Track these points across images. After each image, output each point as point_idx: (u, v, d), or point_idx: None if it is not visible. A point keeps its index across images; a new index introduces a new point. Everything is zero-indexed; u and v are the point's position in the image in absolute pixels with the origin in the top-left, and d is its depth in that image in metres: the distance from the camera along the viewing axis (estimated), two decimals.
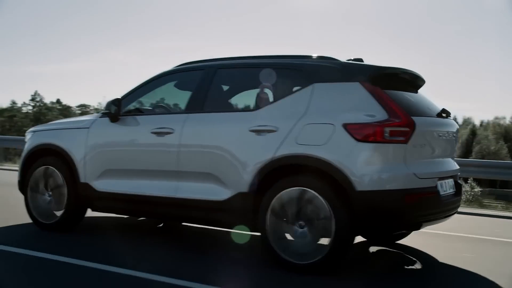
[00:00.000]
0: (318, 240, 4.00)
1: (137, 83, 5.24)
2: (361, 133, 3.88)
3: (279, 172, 4.15)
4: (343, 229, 3.87)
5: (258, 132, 4.27)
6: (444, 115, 4.51)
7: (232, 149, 4.37)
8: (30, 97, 66.95)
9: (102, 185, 5.08)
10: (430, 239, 5.58)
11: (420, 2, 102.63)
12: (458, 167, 4.77)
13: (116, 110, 5.00)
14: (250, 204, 4.25)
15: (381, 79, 4.16)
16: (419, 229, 4.32)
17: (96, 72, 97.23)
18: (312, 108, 4.15)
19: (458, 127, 4.81)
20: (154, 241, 5.23)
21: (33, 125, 9.02)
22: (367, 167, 3.85)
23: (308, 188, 3.99)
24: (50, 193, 5.41)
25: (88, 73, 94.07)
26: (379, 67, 4.20)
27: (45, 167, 5.42)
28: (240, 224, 4.46)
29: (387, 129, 3.87)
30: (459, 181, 4.77)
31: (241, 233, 4.83)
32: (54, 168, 5.36)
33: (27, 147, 5.64)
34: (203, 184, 4.52)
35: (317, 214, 3.95)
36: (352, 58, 4.61)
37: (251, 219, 4.30)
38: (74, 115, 62.93)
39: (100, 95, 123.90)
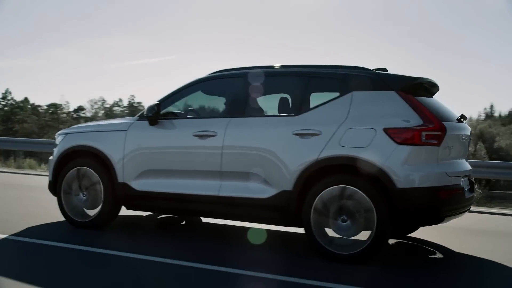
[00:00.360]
0: (359, 233, 4.45)
1: (173, 88, 5.55)
2: (401, 136, 4.36)
3: (323, 171, 4.57)
4: (384, 223, 4.33)
5: (301, 135, 4.67)
6: (462, 120, 5.05)
7: (276, 150, 4.75)
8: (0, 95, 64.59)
9: (141, 185, 5.36)
10: (439, 233, 6.10)
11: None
12: (470, 167, 5.32)
13: (156, 114, 5.29)
14: (294, 201, 4.65)
15: (412, 88, 4.64)
16: (442, 222, 4.82)
17: (39, 70, 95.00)
18: (352, 114, 4.59)
19: (470, 130, 5.35)
20: (185, 234, 5.58)
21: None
22: (406, 167, 4.33)
23: (352, 186, 4.42)
24: (85, 192, 5.65)
25: (31, 71, 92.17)
26: (410, 77, 4.69)
27: (80, 168, 5.65)
28: (283, 220, 4.86)
29: (424, 133, 4.36)
30: (472, 180, 5.32)
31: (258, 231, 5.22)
32: (89, 169, 5.60)
33: (59, 149, 5.82)
34: (247, 183, 4.88)
35: (360, 210, 4.40)
36: (378, 68, 5.08)
37: (294, 215, 4.71)
38: (43, 114, 61.17)
39: (58, 94, 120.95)
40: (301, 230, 4.81)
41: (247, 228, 5.83)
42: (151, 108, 5.28)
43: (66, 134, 5.92)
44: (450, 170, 4.56)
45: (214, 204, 5.05)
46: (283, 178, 4.71)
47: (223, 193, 4.97)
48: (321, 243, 4.55)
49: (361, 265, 4.40)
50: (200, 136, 5.09)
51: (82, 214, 5.68)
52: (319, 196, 4.54)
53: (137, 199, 5.43)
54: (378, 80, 4.69)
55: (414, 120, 4.42)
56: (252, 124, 4.98)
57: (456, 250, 5.29)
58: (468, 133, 5.16)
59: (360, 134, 4.48)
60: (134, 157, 5.39)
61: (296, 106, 4.96)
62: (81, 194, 5.69)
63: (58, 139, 5.97)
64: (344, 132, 4.53)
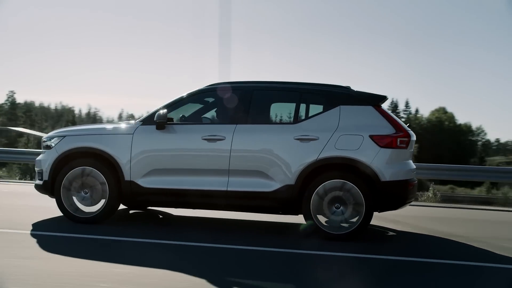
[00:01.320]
0: (350, 218, 5.66)
1: (175, 97, 6.25)
2: (383, 142, 5.65)
3: (322, 169, 5.69)
4: (369, 208, 5.59)
5: (302, 140, 5.74)
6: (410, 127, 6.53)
7: (279, 152, 5.75)
8: None
9: (149, 182, 5.96)
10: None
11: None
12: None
13: (164, 120, 5.94)
14: (296, 193, 5.70)
15: (381, 103, 5.99)
16: (402, 208, 6.16)
17: None
18: (342, 124, 5.78)
19: None
20: (194, 222, 6.29)
21: None
22: (387, 165, 5.64)
23: (345, 180, 5.62)
24: (87, 190, 6.06)
25: None
26: (380, 96, 6.00)
27: (82, 168, 6.05)
28: (283, 209, 5.88)
29: (398, 139, 5.71)
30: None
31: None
32: (93, 168, 6.03)
33: (58, 150, 6.11)
34: (252, 179, 5.80)
35: (351, 199, 5.60)
36: (342, 85, 6.29)
37: (295, 205, 5.76)
38: None
39: None
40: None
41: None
42: (161, 115, 5.92)
43: (64, 136, 6.22)
44: (412, 167, 5.99)
45: (222, 197, 5.87)
46: (286, 174, 5.72)
47: (231, 188, 5.83)
48: (319, 225, 5.67)
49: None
50: (209, 140, 5.87)
51: (81, 210, 6.10)
52: (317, 188, 5.65)
53: (145, 195, 6.01)
54: (358, 97, 5.94)
55: (389, 129, 5.75)
56: (257, 130, 5.91)
57: (403, 230, 6.77)
58: (415, 139, 6.65)
59: (351, 140, 5.68)
60: (142, 157, 5.97)
61: (293, 116, 6.02)
62: (83, 192, 6.09)
63: (53, 141, 6.24)
64: (337, 138, 5.70)
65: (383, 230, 6.67)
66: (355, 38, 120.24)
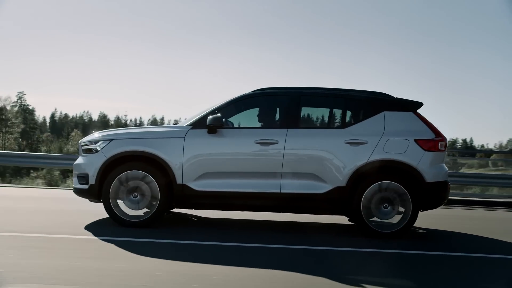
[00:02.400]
0: (395, 216, 6.04)
1: (221, 102, 6.37)
2: (427, 145, 6.08)
3: (371, 171, 6.02)
4: (415, 208, 6.00)
5: (352, 143, 6.05)
6: None
7: (331, 155, 6.03)
8: None
9: (202, 185, 6.05)
10: None
11: None
12: None
13: (219, 124, 6.04)
14: (346, 194, 6.01)
15: (418, 109, 6.42)
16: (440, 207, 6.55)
17: None
18: (387, 128, 6.14)
19: None
20: (232, 224, 6.43)
21: None
22: (430, 167, 6.07)
23: (393, 181, 5.99)
24: (136, 194, 6.07)
25: None
26: (418, 102, 6.41)
27: (132, 172, 6.04)
28: (334, 210, 6.17)
29: (439, 143, 6.16)
30: None
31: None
32: (143, 172, 6.04)
33: (106, 154, 6.06)
34: (304, 181, 6.04)
35: (398, 199, 5.98)
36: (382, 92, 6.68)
37: (345, 205, 6.06)
38: None
39: None
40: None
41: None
42: (215, 119, 6.02)
43: (110, 140, 6.17)
44: (447, 170, 6.46)
45: (276, 199, 6.07)
46: (337, 176, 6.01)
47: (284, 190, 6.04)
48: (369, 224, 6.01)
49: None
50: (262, 143, 6.05)
51: (133, 215, 6.08)
52: (368, 189, 5.98)
53: (197, 198, 6.09)
54: (399, 104, 6.33)
55: (429, 133, 6.18)
56: (308, 134, 6.16)
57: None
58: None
59: (398, 144, 6.07)
60: (195, 161, 6.04)
61: (340, 121, 6.32)
62: (132, 196, 6.08)
63: (99, 144, 6.17)
64: (385, 142, 6.06)
65: (413, 229, 7.14)
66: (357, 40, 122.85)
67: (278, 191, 6.05)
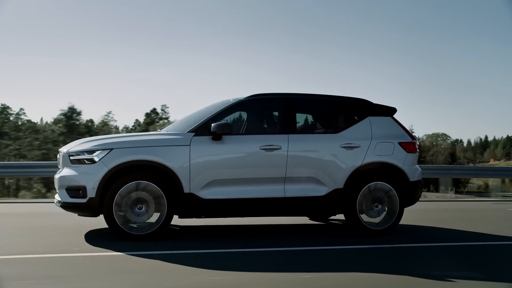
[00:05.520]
0: (385, 215, 6.58)
1: (219, 108, 6.32)
2: (408, 148, 6.71)
3: (365, 173, 6.48)
4: (402, 205, 6.60)
5: (347, 147, 6.45)
6: None
7: (329, 159, 6.37)
8: None
9: (209, 193, 5.97)
10: None
11: None
12: None
13: (227, 130, 6.00)
14: (343, 196, 6.39)
15: (394, 114, 7.05)
16: None
17: None
18: (374, 132, 6.65)
19: None
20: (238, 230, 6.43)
21: None
22: (412, 167, 6.73)
23: (383, 181, 6.52)
24: (141, 206, 5.78)
25: None
26: (393, 108, 7.04)
27: (137, 182, 5.74)
28: (332, 210, 6.51)
29: (415, 145, 6.85)
30: None
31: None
32: (148, 182, 5.77)
33: (106, 164, 5.68)
34: (305, 185, 6.30)
35: (388, 196, 6.53)
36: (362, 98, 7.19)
37: (342, 206, 6.44)
38: None
39: None
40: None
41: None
42: (223, 126, 5.98)
43: (111, 149, 5.77)
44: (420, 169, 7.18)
45: (281, 204, 6.22)
46: (335, 179, 6.37)
47: (288, 194, 6.23)
48: (362, 221, 6.46)
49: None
50: (267, 149, 6.17)
51: (141, 227, 5.79)
52: (362, 189, 6.44)
53: (205, 206, 5.99)
54: (379, 109, 6.89)
55: (407, 137, 6.84)
56: (307, 139, 6.42)
57: None
58: None
59: (385, 147, 6.61)
60: (202, 169, 5.94)
61: (333, 126, 6.68)
62: (137, 208, 5.78)
63: (97, 154, 5.74)
64: (375, 145, 6.57)
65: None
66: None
67: (283, 195, 6.22)
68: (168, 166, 5.84)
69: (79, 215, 6.12)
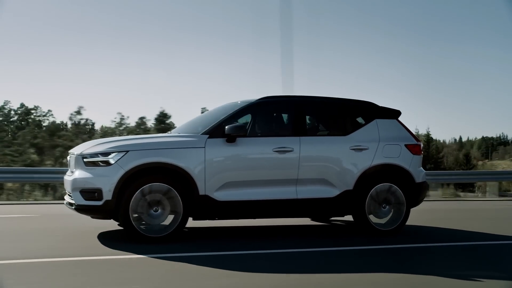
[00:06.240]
0: (392, 216, 6.72)
1: (232, 110, 6.37)
2: (414, 150, 6.88)
3: (373, 175, 6.61)
4: (409, 206, 6.76)
5: (356, 149, 6.58)
6: None
7: (340, 161, 6.49)
8: None
9: (224, 195, 6.02)
10: None
11: None
12: None
13: (242, 132, 6.08)
14: (353, 197, 6.52)
15: (399, 116, 7.20)
16: None
17: None
18: (381, 135, 6.80)
19: None
20: (246, 230, 6.50)
21: None
22: (418, 169, 6.89)
23: (391, 183, 6.67)
24: (157, 208, 5.80)
25: None
26: (398, 110, 7.19)
27: (153, 184, 5.76)
28: (342, 212, 6.62)
29: (421, 147, 7.02)
30: None
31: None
32: (164, 184, 5.79)
33: (122, 166, 5.67)
34: (317, 187, 6.40)
35: (393, 199, 6.68)
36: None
37: (352, 207, 6.56)
38: None
39: None
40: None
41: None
42: (238, 128, 6.04)
43: (127, 151, 5.77)
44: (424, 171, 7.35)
45: (294, 205, 6.31)
46: (345, 181, 6.49)
47: (300, 196, 6.32)
48: (371, 222, 6.60)
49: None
50: (280, 151, 6.25)
51: (156, 230, 5.81)
52: (371, 191, 6.57)
53: (220, 208, 6.04)
54: (385, 112, 7.03)
55: (412, 139, 7.00)
56: (318, 142, 6.53)
57: None
58: None
59: (392, 149, 6.76)
60: (216, 171, 5.99)
61: (342, 128, 6.79)
62: (152, 210, 5.79)
63: (112, 156, 5.73)
64: (383, 147, 6.71)
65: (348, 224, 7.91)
66: None
67: (295, 197, 6.31)
68: (183, 168, 5.87)
69: (92, 217, 6.11)
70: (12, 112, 57.92)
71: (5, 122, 53.97)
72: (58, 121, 60.28)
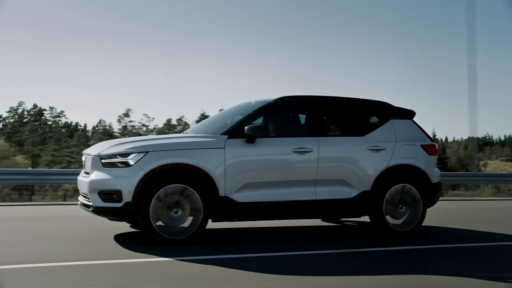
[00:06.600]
0: (409, 216, 6.70)
1: (250, 110, 6.28)
2: (430, 150, 6.87)
3: (390, 175, 6.59)
4: (425, 206, 6.75)
5: (373, 150, 6.54)
6: None
7: (357, 161, 6.45)
8: None
9: (244, 197, 5.93)
10: None
11: None
12: None
13: (263, 133, 5.99)
14: (371, 198, 6.48)
15: (414, 117, 7.18)
16: None
17: None
18: (398, 135, 6.77)
19: None
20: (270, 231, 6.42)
21: None
22: (433, 169, 6.89)
23: (408, 184, 6.65)
24: (177, 210, 5.69)
25: None
26: (413, 110, 7.17)
27: (175, 186, 5.65)
28: (359, 213, 6.58)
29: (436, 148, 7.02)
30: None
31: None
32: (185, 185, 5.69)
33: (142, 167, 5.55)
34: (336, 187, 6.35)
35: (410, 200, 6.66)
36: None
37: (369, 208, 6.52)
38: None
39: None
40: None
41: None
42: (258, 128, 5.95)
43: (146, 152, 5.64)
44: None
45: (313, 206, 6.25)
46: (363, 181, 6.45)
47: (319, 197, 6.26)
48: (388, 223, 6.57)
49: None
50: (299, 152, 6.18)
51: (176, 232, 5.70)
52: (388, 192, 6.54)
53: (241, 210, 5.95)
54: (401, 112, 7.01)
55: (427, 139, 7.00)
56: (336, 142, 6.47)
57: None
58: None
59: (409, 149, 6.74)
60: (236, 172, 5.90)
61: (359, 128, 6.74)
62: (172, 212, 5.68)
63: (132, 157, 5.60)
64: (399, 148, 6.68)
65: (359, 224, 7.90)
66: None
67: (314, 198, 6.24)
68: (204, 169, 5.76)
69: (109, 219, 5.97)
70: (25, 113, 59.57)
71: (20, 123, 55.91)
72: (69, 122, 62.14)
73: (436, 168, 7.08)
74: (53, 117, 56.98)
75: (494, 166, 57.08)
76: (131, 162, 5.61)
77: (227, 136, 6.00)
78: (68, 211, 9.47)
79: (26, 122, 55.94)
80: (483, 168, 42.27)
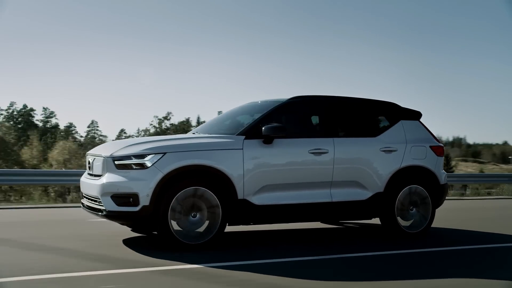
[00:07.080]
0: (419, 218, 6.68)
1: (263, 110, 6.09)
2: (438, 151, 6.88)
3: (402, 177, 6.54)
4: (434, 207, 6.75)
5: (386, 151, 6.48)
6: None
7: (371, 163, 6.37)
8: None
9: (261, 199, 5.74)
10: None
11: None
12: None
13: (282, 133, 5.79)
14: (384, 199, 6.42)
15: (420, 118, 7.17)
16: None
17: None
18: (408, 136, 6.74)
19: None
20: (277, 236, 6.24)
21: None
22: (441, 170, 6.91)
23: (418, 185, 6.63)
24: (195, 213, 5.45)
25: None
26: (419, 112, 7.16)
27: (194, 188, 5.40)
28: (372, 214, 6.50)
29: (443, 149, 7.04)
30: None
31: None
32: (204, 188, 5.45)
33: (160, 169, 5.27)
34: (350, 189, 6.25)
35: (422, 199, 6.65)
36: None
37: (382, 210, 6.46)
38: None
39: None
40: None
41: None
42: (277, 128, 5.75)
43: (164, 153, 5.36)
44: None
45: (329, 208, 6.13)
46: (377, 183, 6.38)
47: (335, 199, 6.14)
48: (400, 225, 6.53)
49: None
50: (315, 153, 6.04)
51: (195, 236, 5.45)
52: (400, 193, 6.50)
53: (258, 213, 5.75)
54: (408, 113, 6.99)
55: (434, 140, 7.01)
56: (350, 143, 6.36)
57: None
58: None
59: (419, 150, 6.72)
60: (254, 174, 5.70)
61: (371, 129, 6.67)
62: (191, 216, 5.43)
63: (149, 158, 5.31)
64: (410, 149, 6.65)
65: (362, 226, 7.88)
66: None
67: (330, 200, 6.12)
68: (223, 171, 5.54)
69: (122, 224, 5.65)
70: (15, 113, 60.29)
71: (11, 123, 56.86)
72: (59, 122, 61.55)
73: (443, 169, 7.11)
74: (45, 117, 57.88)
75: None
76: (148, 164, 5.32)
77: (244, 137, 5.78)
78: (55, 214, 9.00)
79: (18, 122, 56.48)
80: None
